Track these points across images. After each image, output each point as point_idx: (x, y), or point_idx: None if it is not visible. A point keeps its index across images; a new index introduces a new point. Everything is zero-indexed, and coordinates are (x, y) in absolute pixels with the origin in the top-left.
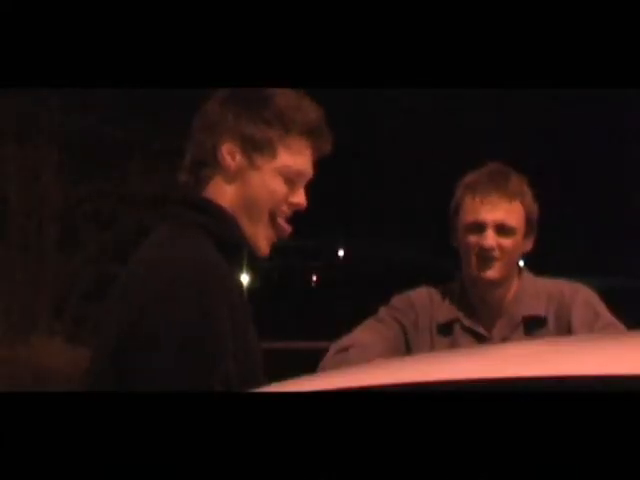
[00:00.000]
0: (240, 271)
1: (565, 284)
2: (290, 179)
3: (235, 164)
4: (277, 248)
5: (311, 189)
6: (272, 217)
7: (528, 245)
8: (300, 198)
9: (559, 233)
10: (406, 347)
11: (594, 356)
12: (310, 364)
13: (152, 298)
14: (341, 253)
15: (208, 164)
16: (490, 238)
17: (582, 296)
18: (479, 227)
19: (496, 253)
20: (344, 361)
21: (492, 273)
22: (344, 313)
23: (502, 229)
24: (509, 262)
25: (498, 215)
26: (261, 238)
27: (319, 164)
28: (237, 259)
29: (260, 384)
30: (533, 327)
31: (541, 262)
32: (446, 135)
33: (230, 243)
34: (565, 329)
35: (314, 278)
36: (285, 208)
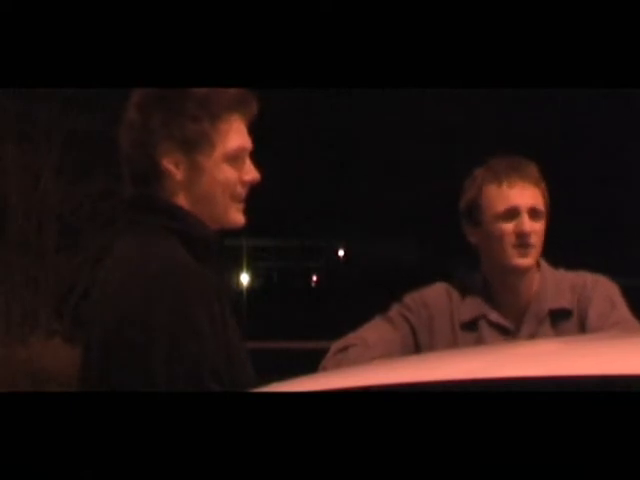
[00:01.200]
0: (214, 272)
1: (587, 275)
2: (234, 158)
3: (181, 172)
4: (277, 248)
5: (311, 189)
6: (233, 200)
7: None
8: (251, 174)
9: (560, 233)
10: (415, 347)
11: (595, 356)
12: (310, 364)
13: (135, 303)
14: (341, 253)
15: (154, 178)
16: (527, 223)
17: (602, 288)
18: (513, 213)
19: (532, 239)
20: (344, 361)
21: (528, 260)
22: (344, 313)
23: (534, 213)
24: (539, 249)
25: (529, 199)
26: (230, 214)
27: (319, 164)
28: (211, 261)
29: (249, 379)
30: (560, 320)
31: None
32: (447, 135)
33: (203, 247)
34: (583, 320)
35: (314, 278)
36: (240, 189)
